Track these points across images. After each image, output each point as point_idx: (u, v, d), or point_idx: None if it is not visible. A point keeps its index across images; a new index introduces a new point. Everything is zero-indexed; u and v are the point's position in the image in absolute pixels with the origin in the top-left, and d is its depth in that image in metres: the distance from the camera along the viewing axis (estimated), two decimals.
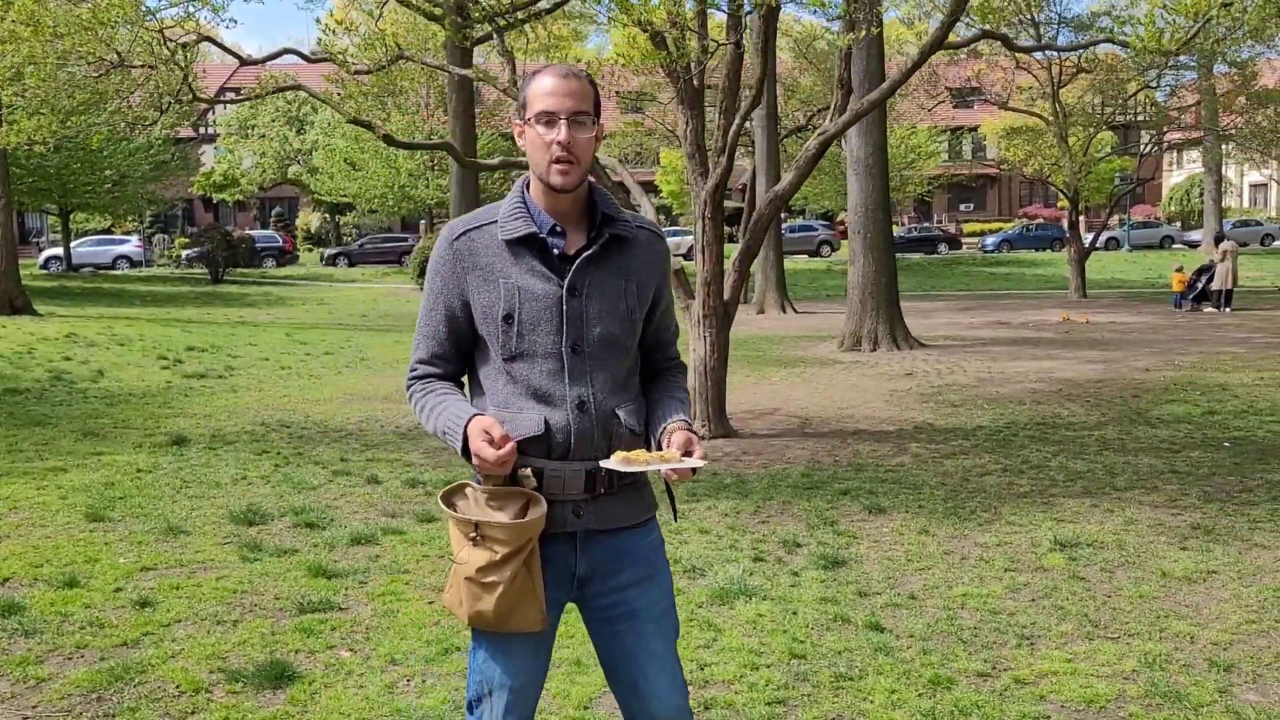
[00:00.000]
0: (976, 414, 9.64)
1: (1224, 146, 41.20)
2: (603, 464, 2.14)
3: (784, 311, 23.20)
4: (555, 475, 2.17)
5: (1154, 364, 13.05)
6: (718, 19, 11.07)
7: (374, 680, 3.84)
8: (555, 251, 2.19)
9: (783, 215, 35.37)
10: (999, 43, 9.87)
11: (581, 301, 2.18)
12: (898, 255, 25.59)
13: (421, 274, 31.22)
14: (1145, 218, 50.96)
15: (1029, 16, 23.36)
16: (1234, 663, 3.92)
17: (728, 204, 46.11)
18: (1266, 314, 20.97)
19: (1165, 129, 34.29)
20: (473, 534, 2.13)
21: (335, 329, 20.35)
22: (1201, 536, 5.55)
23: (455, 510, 2.17)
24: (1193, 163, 53.63)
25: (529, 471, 2.15)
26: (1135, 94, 32.74)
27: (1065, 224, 31.62)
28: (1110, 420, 9.15)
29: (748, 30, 11.21)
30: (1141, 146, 37.98)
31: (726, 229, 36.94)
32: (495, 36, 9.74)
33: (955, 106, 48.63)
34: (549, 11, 10.72)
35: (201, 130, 49.02)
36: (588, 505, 2.20)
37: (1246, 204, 59.20)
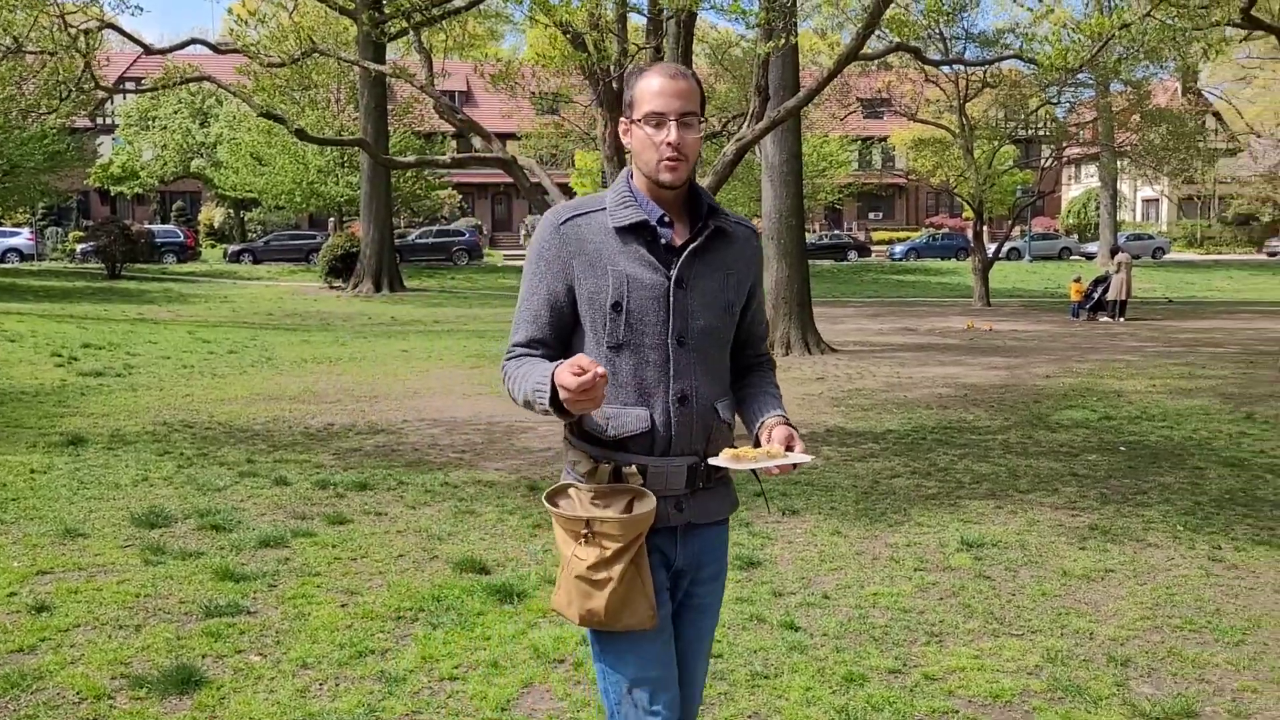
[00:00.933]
0: (886, 418, 9.84)
1: (1119, 162, 42.83)
2: (713, 461, 2.15)
3: None
4: (658, 471, 2.18)
5: (1053, 371, 13.49)
6: (637, 22, 11.13)
7: (285, 685, 3.76)
8: (663, 241, 2.19)
9: None
10: (910, 55, 10.12)
11: (687, 293, 2.19)
12: (809, 262, 26.04)
13: (330, 272, 30.67)
14: (1045, 229, 52.68)
15: (938, 31, 23.97)
16: (1130, 657, 4.08)
17: None
18: (1158, 324, 21.84)
19: (1064, 144, 35.52)
20: (584, 531, 2.13)
21: (239, 327, 19.84)
22: (1099, 536, 5.76)
23: (561, 505, 2.19)
24: (1090, 177, 55.63)
25: (634, 468, 2.16)
26: (1036, 110, 33.84)
27: (970, 234, 32.52)
28: (1013, 425, 9.43)
29: (666, 35, 11.25)
30: (1042, 160, 39.28)
31: None
32: (412, 33, 9.62)
33: (866, 117, 49.54)
34: (466, 9, 10.63)
35: (99, 120, 47.30)
36: (688, 500, 2.23)
37: (1139, 218, 61.62)
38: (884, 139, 53.59)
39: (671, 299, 2.16)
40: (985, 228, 30.27)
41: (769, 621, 4.45)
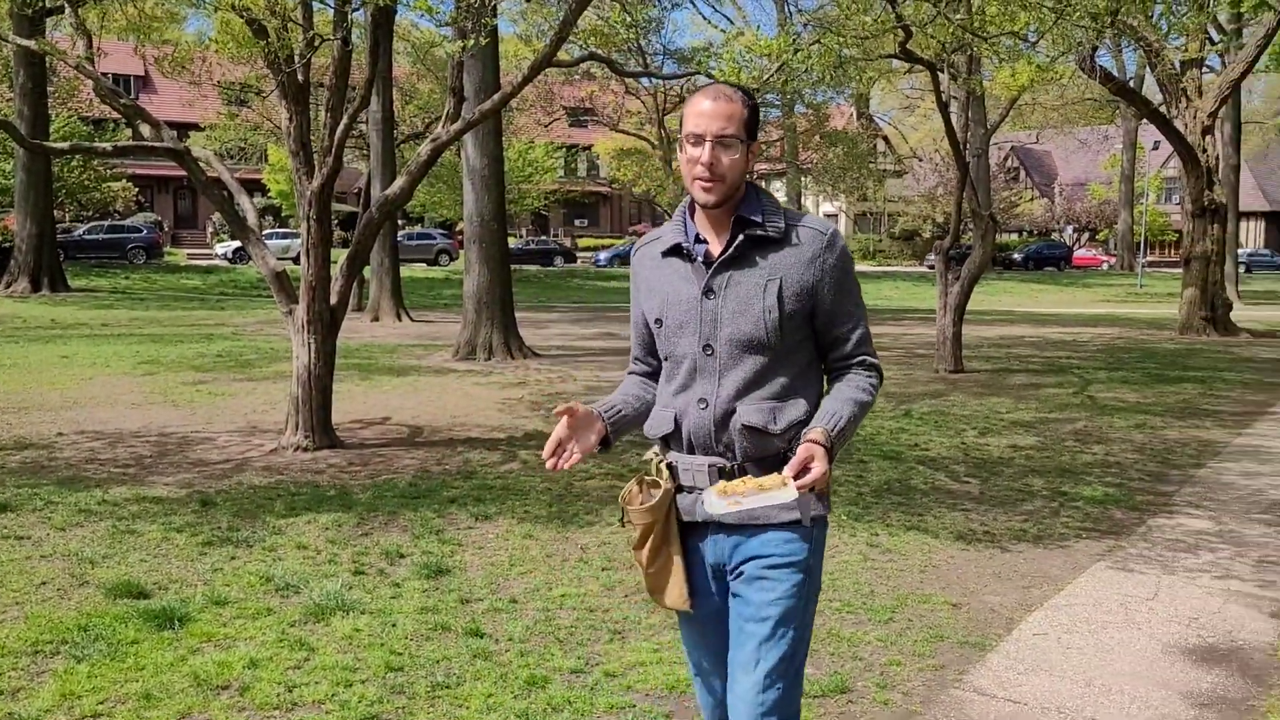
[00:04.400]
0: None
1: (803, 179, 46.17)
2: (703, 496, 2.29)
3: (399, 320, 22.80)
4: (686, 469, 2.35)
5: None
6: (331, 14, 10.66)
7: None
8: (698, 258, 2.34)
9: (400, 222, 34.83)
10: (607, 66, 10.40)
11: (717, 303, 2.30)
12: (516, 267, 26.00)
13: None
14: None
15: (636, 45, 24.79)
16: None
17: (344, 208, 44.23)
18: None
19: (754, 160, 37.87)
20: (622, 519, 2.41)
21: None
22: None
23: (637, 493, 2.40)
24: (777, 192, 59.61)
25: (665, 463, 2.38)
26: None
27: None
28: None
29: (360, 29, 10.87)
30: None
31: (341, 233, 35.40)
32: (68, 9, 8.72)
33: (571, 125, 50.52)
34: None
35: None
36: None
37: None
38: (589, 148, 54.88)
39: (701, 309, 2.31)
40: None
41: (454, 629, 4.36)
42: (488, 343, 15.66)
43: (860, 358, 2.39)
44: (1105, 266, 55.30)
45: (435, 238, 44.65)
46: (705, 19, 31.59)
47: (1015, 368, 14.95)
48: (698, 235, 2.36)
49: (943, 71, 12.77)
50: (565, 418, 2.29)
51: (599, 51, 9.53)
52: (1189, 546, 5.83)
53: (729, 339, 2.29)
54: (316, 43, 7.36)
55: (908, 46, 11.48)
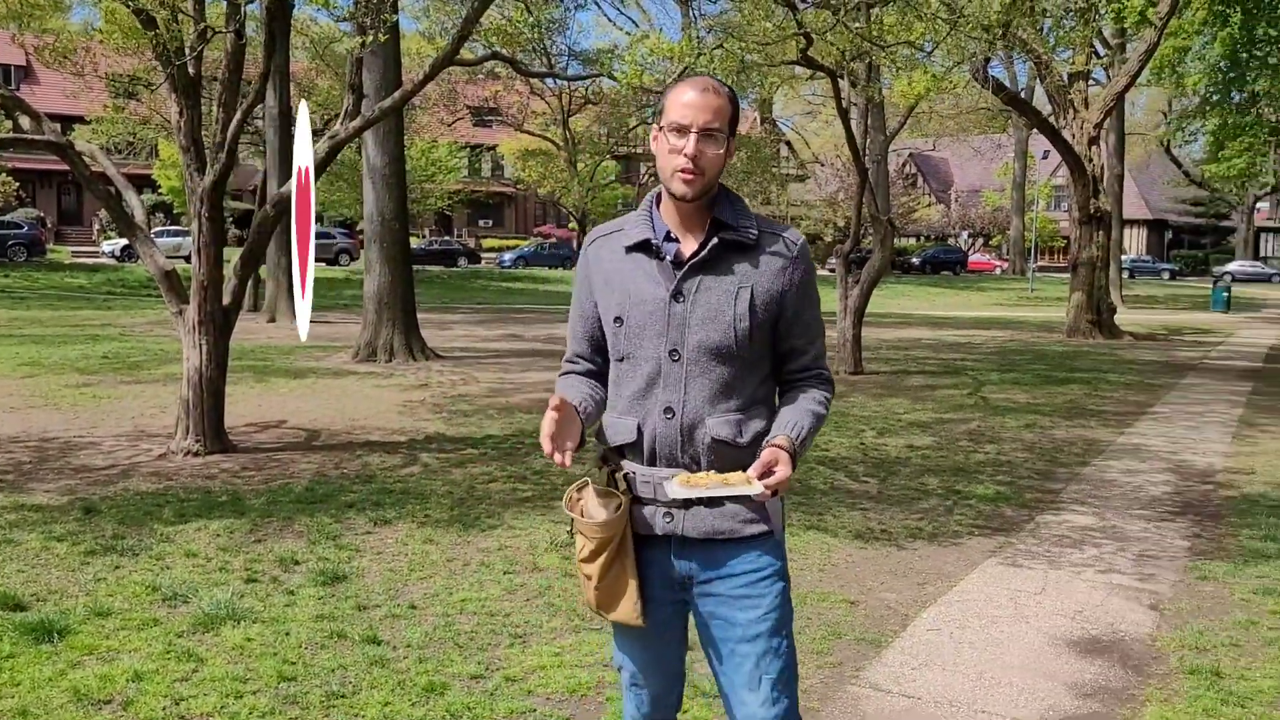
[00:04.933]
0: (487, 423, 9.89)
1: None
2: (664, 483, 2.19)
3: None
4: (646, 480, 2.25)
5: None
6: (224, 6, 10.35)
7: None
8: (667, 257, 2.24)
9: None
10: (511, 66, 10.34)
11: (686, 307, 2.21)
12: (418, 267, 25.70)
13: None
14: None
15: (541, 45, 24.71)
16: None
17: (240, 205, 43.05)
18: None
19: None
20: (570, 528, 2.29)
21: None
22: None
23: (577, 500, 2.28)
24: None
25: (622, 474, 2.26)
26: (635, 127, 35.88)
27: (576, 244, 33.79)
28: None
29: (255, 21, 10.59)
30: (641, 176, 41.81)
31: (237, 232, 34.39)
32: None
33: (475, 125, 50.05)
34: None
35: None
36: (679, 510, 2.24)
37: None
38: (493, 148, 54.46)
39: (669, 312, 2.21)
40: None
41: (350, 637, 4.27)
42: (389, 344, 15.42)
43: (817, 371, 2.38)
44: (998, 271, 57.06)
45: (335, 237, 43.71)
46: (610, 20, 31.57)
47: (913, 369, 15.31)
48: (668, 233, 2.27)
49: (843, 79, 13.01)
50: (558, 412, 2.12)
51: (503, 51, 9.45)
52: (1075, 542, 6.04)
53: (697, 345, 2.21)
54: (209, 35, 7.14)
55: (809, 54, 11.67)
